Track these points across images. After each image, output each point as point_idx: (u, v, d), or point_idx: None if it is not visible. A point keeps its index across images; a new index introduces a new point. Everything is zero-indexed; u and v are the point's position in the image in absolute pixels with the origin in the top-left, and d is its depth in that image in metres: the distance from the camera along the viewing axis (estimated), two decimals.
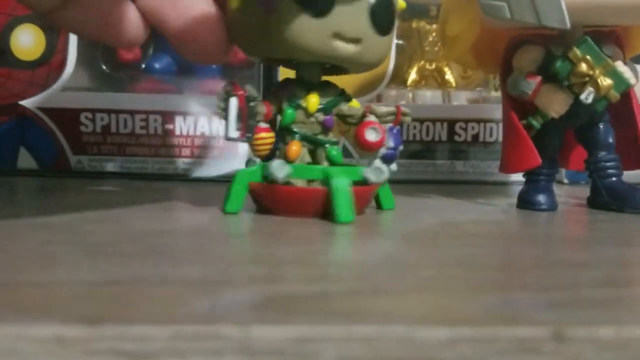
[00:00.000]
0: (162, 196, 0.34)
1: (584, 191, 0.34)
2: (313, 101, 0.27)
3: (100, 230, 0.23)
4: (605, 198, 0.32)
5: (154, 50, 0.49)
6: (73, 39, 0.44)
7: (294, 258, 0.19)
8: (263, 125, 0.26)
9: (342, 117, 0.28)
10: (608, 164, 0.32)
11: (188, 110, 0.44)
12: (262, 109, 0.26)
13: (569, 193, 0.38)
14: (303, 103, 0.27)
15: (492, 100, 0.49)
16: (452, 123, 0.46)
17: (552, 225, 0.27)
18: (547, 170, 0.32)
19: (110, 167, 0.44)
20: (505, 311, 0.14)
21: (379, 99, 0.47)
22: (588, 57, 0.30)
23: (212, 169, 0.44)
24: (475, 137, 0.46)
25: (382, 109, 0.28)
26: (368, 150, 0.27)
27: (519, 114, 0.32)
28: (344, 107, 0.28)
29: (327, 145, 0.27)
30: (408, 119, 0.28)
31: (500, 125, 0.45)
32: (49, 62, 0.44)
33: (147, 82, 0.49)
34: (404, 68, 0.52)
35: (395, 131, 0.28)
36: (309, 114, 0.27)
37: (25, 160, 0.44)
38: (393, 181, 0.45)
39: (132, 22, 0.24)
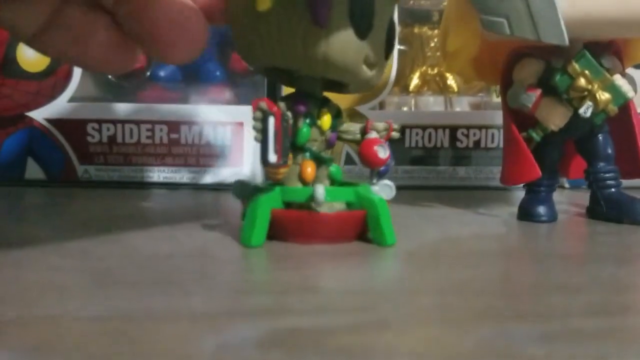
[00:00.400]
0: (168, 208, 0.35)
1: (584, 197, 0.34)
2: (326, 118, 0.26)
3: (109, 254, 0.23)
4: (605, 209, 0.32)
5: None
6: None
7: (299, 285, 0.19)
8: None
9: (339, 134, 0.28)
10: (607, 175, 0.33)
11: (193, 119, 0.45)
12: (290, 128, 0.25)
13: (569, 199, 0.39)
14: (318, 120, 0.26)
15: (493, 105, 0.49)
16: (454, 129, 0.46)
17: (551, 240, 0.28)
18: (547, 181, 0.33)
19: (116, 176, 0.45)
20: (499, 345, 0.14)
21: (381, 105, 0.47)
22: (586, 71, 0.30)
23: (216, 176, 0.45)
24: (477, 143, 0.47)
25: (381, 125, 0.28)
26: (376, 166, 0.27)
27: (519, 125, 0.33)
28: (342, 125, 0.28)
29: (329, 163, 0.27)
30: (397, 134, 0.28)
31: (502, 131, 0.46)
32: (55, 73, 0.44)
33: (153, 90, 0.49)
34: (406, 73, 0.52)
35: (386, 146, 0.27)
36: (322, 132, 0.26)
37: (33, 170, 0.45)
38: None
39: (118, 47, 0.22)
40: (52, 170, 0.45)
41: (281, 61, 0.24)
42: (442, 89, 0.52)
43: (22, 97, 0.44)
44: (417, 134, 0.47)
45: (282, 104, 0.24)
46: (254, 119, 0.24)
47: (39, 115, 0.44)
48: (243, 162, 0.45)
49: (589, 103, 0.30)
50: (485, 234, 0.29)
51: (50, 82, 0.44)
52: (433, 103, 0.49)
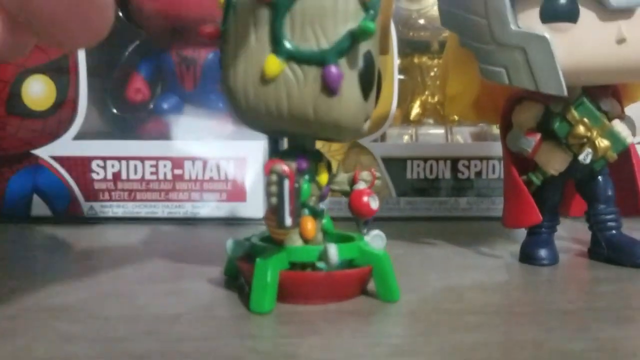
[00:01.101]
0: (173, 249, 0.35)
1: (584, 229, 0.34)
2: (324, 173, 0.26)
3: (116, 316, 0.24)
4: (606, 251, 0.33)
5: (161, 90, 0.50)
6: (83, 87, 0.45)
7: (305, 357, 0.19)
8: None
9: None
10: (608, 216, 0.33)
11: (197, 155, 0.45)
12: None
13: (570, 233, 0.39)
14: (317, 176, 0.26)
15: (494, 135, 0.49)
16: (455, 161, 0.47)
17: (552, 290, 0.28)
18: (548, 222, 0.33)
19: (121, 212, 0.45)
20: None
21: (383, 138, 0.48)
22: (585, 119, 0.30)
23: (220, 210, 0.45)
24: (478, 173, 0.47)
25: (367, 174, 0.28)
26: (368, 217, 0.27)
27: (519, 167, 0.33)
28: (332, 177, 0.27)
29: (322, 216, 0.27)
30: (379, 182, 0.28)
31: (502, 162, 0.46)
32: (60, 111, 0.45)
33: (156, 123, 0.50)
34: (406, 102, 0.53)
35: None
36: (320, 187, 0.26)
37: (39, 207, 0.45)
38: (401, 218, 0.47)
39: (9, 33, 0.19)
40: (58, 207, 0.45)
41: (290, 127, 0.24)
42: (443, 116, 0.53)
43: (28, 135, 0.45)
44: (418, 165, 0.47)
45: (292, 165, 0.24)
46: (270, 182, 0.23)
47: (45, 152, 0.45)
48: (246, 196, 0.45)
49: (588, 150, 0.30)
50: (487, 283, 0.29)
51: (55, 120, 0.45)
52: (434, 135, 0.50)
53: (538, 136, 0.32)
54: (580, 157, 0.31)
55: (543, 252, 0.32)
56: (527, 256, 0.33)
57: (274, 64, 0.23)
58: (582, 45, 0.29)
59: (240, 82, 0.24)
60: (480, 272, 0.31)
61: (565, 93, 0.29)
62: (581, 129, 0.30)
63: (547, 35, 0.28)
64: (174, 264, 0.32)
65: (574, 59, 0.29)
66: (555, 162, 0.31)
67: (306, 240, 0.26)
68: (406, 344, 0.21)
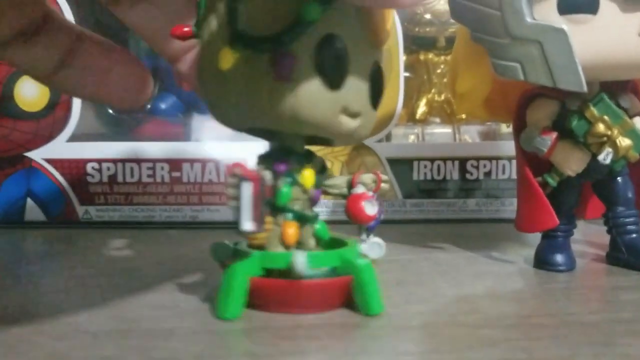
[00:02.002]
0: (169, 256, 0.33)
1: (600, 231, 0.32)
2: (309, 176, 0.25)
3: (109, 332, 0.22)
4: (626, 255, 0.31)
5: (159, 90, 0.49)
6: None
7: None
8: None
9: (324, 188, 0.26)
10: (627, 219, 0.31)
11: (195, 157, 0.43)
12: (268, 191, 0.23)
13: (586, 236, 0.37)
14: (299, 178, 0.24)
15: (503, 134, 0.48)
16: (463, 161, 0.45)
17: (570, 299, 0.26)
18: (565, 226, 0.32)
19: (117, 216, 0.44)
20: None
21: (388, 138, 0.46)
22: (605, 116, 0.29)
23: (219, 214, 0.43)
24: (488, 174, 0.45)
25: (368, 177, 0.26)
26: (364, 223, 0.25)
27: (533, 168, 0.31)
28: (325, 179, 0.26)
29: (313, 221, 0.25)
30: (386, 186, 0.26)
31: (512, 162, 0.45)
32: (54, 112, 0.43)
33: (153, 124, 0.48)
34: (412, 100, 0.51)
35: (375, 199, 0.26)
36: (305, 190, 0.25)
37: (33, 212, 0.44)
38: (407, 221, 0.45)
39: (132, 81, 0.23)
40: (52, 211, 0.44)
41: (250, 120, 0.23)
42: (450, 115, 0.51)
43: (20, 137, 0.43)
44: (425, 166, 0.45)
45: (260, 169, 0.23)
46: (228, 185, 0.23)
47: (38, 155, 0.43)
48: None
49: (608, 149, 0.29)
50: (501, 291, 0.27)
51: (48, 122, 0.43)
52: (441, 134, 0.48)
53: (554, 135, 0.30)
54: (600, 157, 0.29)
55: (559, 258, 0.31)
56: (542, 262, 0.31)
57: (226, 55, 0.22)
58: (602, 38, 0.27)
59: (206, 79, 0.23)
60: (494, 279, 0.29)
61: (585, 89, 0.27)
62: (601, 127, 0.28)
63: (565, 27, 0.27)
64: (169, 272, 0.30)
65: (593, 53, 0.27)
66: (572, 163, 0.30)
67: (287, 246, 0.24)
68: None
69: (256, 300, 0.24)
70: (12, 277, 0.30)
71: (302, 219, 0.25)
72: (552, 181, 0.30)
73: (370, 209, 0.25)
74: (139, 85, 0.23)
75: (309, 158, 0.25)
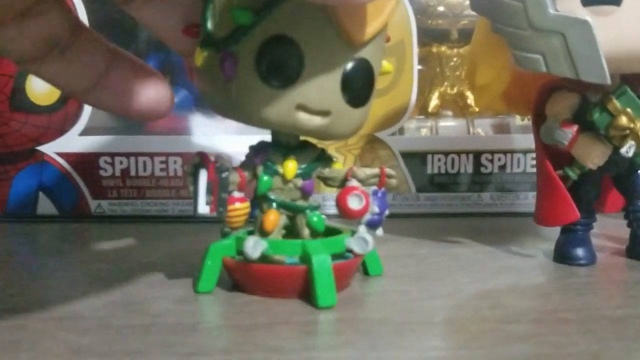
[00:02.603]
0: (185, 250, 0.33)
1: (619, 225, 0.32)
2: (290, 167, 0.25)
3: (130, 326, 0.22)
4: None
5: (170, 84, 0.48)
6: None
7: None
8: (237, 194, 0.25)
9: (324, 180, 0.27)
10: None
11: (207, 150, 0.43)
12: (235, 178, 0.25)
13: (604, 230, 0.37)
14: (280, 169, 0.25)
15: (517, 127, 0.47)
16: (477, 154, 0.45)
17: (594, 293, 0.26)
18: (585, 220, 0.31)
19: (130, 210, 0.43)
20: None
21: (401, 131, 0.46)
22: (628, 109, 0.28)
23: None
24: (502, 167, 0.45)
25: (365, 172, 0.26)
26: (351, 217, 0.26)
27: (553, 161, 0.31)
28: (325, 170, 0.26)
29: (307, 212, 0.26)
30: (393, 181, 0.26)
31: (527, 155, 0.44)
32: (66, 106, 0.43)
33: (165, 118, 0.48)
34: (424, 93, 0.50)
35: (380, 194, 0.26)
36: (286, 181, 0.25)
37: (45, 205, 0.43)
38: (421, 215, 0.45)
39: (158, 98, 0.24)
40: (65, 205, 0.43)
41: (220, 113, 0.25)
42: (462, 108, 0.50)
43: (33, 131, 0.43)
44: (439, 159, 0.45)
45: (220, 157, 0.25)
46: (187, 172, 0.25)
47: (50, 149, 0.43)
48: None
49: (631, 142, 0.28)
50: (524, 286, 0.27)
51: (60, 115, 0.43)
52: (453, 127, 0.47)
53: (575, 128, 0.29)
54: (623, 150, 0.29)
55: (580, 252, 0.30)
56: (562, 256, 0.31)
57: (197, 54, 0.24)
58: (626, 30, 0.27)
59: (197, 77, 0.25)
60: (514, 273, 0.29)
61: (609, 81, 0.27)
62: (624, 119, 0.28)
63: (588, 19, 0.26)
64: (187, 266, 0.30)
65: (617, 45, 0.27)
66: (594, 156, 0.29)
67: (266, 233, 0.25)
68: (447, 358, 0.19)
69: (232, 279, 0.26)
70: (28, 271, 0.30)
71: (290, 209, 0.26)
72: (573, 174, 0.30)
73: (355, 203, 0.25)
74: (164, 101, 0.24)
75: (299, 150, 0.26)
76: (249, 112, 0.24)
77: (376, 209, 0.26)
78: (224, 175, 0.24)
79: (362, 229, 0.26)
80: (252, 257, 0.24)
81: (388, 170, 0.26)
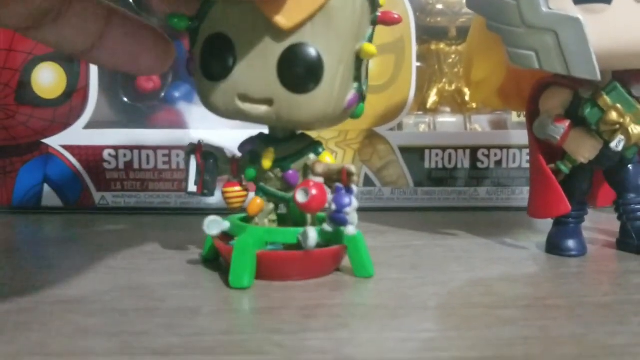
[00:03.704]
0: (188, 240, 0.34)
1: (610, 219, 0.33)
2: (267, 158, 0.27)
3: (134, 309, 0.23)
4: (636, 242, 0.31)
5: (173, 79, 0.49)
6: (94, 75, 0.44)
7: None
8: (232, 179, 0.28)
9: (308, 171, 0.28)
10: (638, 206, 0.32)
11: (209, 142, 0.44)
12: (224, 165, 0.28)
13: (596, 223, 0.38)
14: (261, 160, 0.27)
15: (513, 123, 0.48)
16: (474, 150, 0.46)
17: (584, 283, 0.27)
18: (576, 212, 0.32)
19: (133, 202, 0.44)
20: None
21: (399, 127, 0.47)
22: (618, 104, 0.29)
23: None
24: (498, 163, 0.46)
25: (322, 167, 0.27)
26: (301, 210, 0.26)
27: (546, 155, 0.32)
28: (309, 161, 0.27)
29: (291, 202, 0.27)
30: (355, 178, 0.26)
31: (523, 151, 0.45)
32: (71, 99, 0.44)
33: (168, 112, 0.49)
34: (423, 90, 0.51)
35: (343, 192, 0.26)
36: (263, 171, 0.27)
37: (50, 197, 0.44)
38: (418, 209, 0.46)
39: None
40: (69, 197, 0.44)
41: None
42: (460, 105, 0.51)
43: (38, 124, 0.44)
44: (436, 154, 0.46)
45: (207, 144, 0.28)
46: (184, 157, 0.29)
47: (55, 142, 0.44)
48: None
49: (620, 137, 0.29)
50: (516, 275, 0.28)
51: (65, 109, 0.44)
52: (451, 123, 0.48)
53: (567, 123, 0.30)
54: (612, 145, 0.29)
55: (571, 243, 0.31)
56: (554, 247, 0.32)
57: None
58: (616, 28, 0.27)
59: None
60: (507, 263, 0.30)
61: (600, 77, 0.27)
62: (614, 115, 0.29)
63: (580, 17, 0.27)
64: (189, 255, 0.31)
65: (608, 42, 0.27)
66: (585, 150, 0.30)
67: (251, 216, 0.28)
68: (439, 339, 0.20)
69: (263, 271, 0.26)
70: (35, 260, 0.31)
71: (272, 196, 0.28)
72: (565, 168, 0.31)
73: (300, 196, 0.26)
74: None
75: (289, 141, 0.27)
76: (207, 105, 0.26)
77: (333, 206, 0.26)
78: (211, 160, 0.28)
79: (325, 224, 0.26)
80: (208, 233, 0.28)
81: (348, 168, 0.26)
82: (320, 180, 0.26)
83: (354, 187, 0.26)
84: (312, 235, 0.25)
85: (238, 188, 0.28)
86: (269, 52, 0.24)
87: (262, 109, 0.25)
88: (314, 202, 0.25)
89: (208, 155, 0.28)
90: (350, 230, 0.26)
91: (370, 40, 0.26)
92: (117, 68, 0.25)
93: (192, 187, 0.28)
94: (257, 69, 0.24)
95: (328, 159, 0.28)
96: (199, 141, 0.29)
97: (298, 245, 0.26)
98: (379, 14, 0.26)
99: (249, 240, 0.26)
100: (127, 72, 0.25)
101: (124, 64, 0.25)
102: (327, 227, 0.26)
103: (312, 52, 0.24)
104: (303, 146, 0.28)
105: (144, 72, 0.26)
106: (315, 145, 0.28)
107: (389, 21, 0.26)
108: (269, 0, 0.23)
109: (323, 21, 0.24)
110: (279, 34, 0.24)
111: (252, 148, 0.28)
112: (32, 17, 0.22)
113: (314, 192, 0.25)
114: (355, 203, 0.26)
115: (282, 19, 0.24)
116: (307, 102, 0.25)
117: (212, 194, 0.28)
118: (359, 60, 0.26)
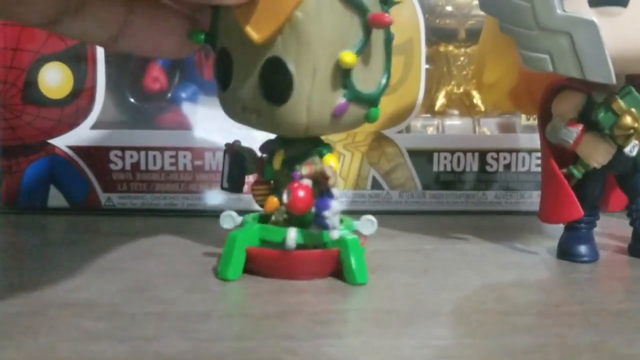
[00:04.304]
0: (196, 242, 0.34)
1: (623, 224, 0.33)
2: (277, 159, 0.28)
3: (142, 312, 0.22)
4: None
5: (179, 79, 0.49)
6: (101, 75, 0.44)
7: None
8: (260, 179, 0.29)
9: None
10: None
11: (217, 145, 0.44)
12: (251, 164, 0.30)
13: (607, 228, 0.37)
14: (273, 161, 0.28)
15: (522, 126, 0.48)
16: (483, 153, 0.45)
17: (597, 289, 0.27)
18: (588, 217, 0.32)
19: (139, 204, 0.44)
20: None
21: (407, 129, 0.46)
22: (632, 109, 0.29)
23: (241, 202, 0.44)
24: (507, 166, 0.45)
25: (307, 169, 0.27)
26: (289, 211, 0.27)
27: (558, 159, 0.31)
28: (314, 163, 0.28)
29: None
30: (330, 182, 0.26)
31: (532, 154, 0.45)
32: (78, 100, 0.44)
33: (174, 113, 0.49)
34: (432, 92, 0.51)
35: (325, 195, 0.26)
36: (274, 171, 0.28)
37: (56, 198, 0.44)
38: (426, 212, 0.45)
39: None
40: (75, 198, 0.44)
41: None
42: (469, 107, 0.51)
43: (44, 124, 0.44)
44: (445, 157, 0.45)
45: (240, 145, 0.30)
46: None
47: (62, 142, 0.44)
48: None
49: (635, 142, 0.29)
50: (528, 280, 0.28)
51: (72, 109, 0.44)
52: (460, 126, 0.48)
53: (580, 127, 0.30)
54: (627, 149, 0.29)
55: (583, 249, 0.31)
56: (566, 252, 0.31)
57: None
58: (632, 31, 0.27)
59: None
60: (519, 269, 0.30)
61: (615, 81, 0.27)
62: (628, 119, 0.29)
63: (595, 19, 0.27)
64: (197, 258, 0.31)
65: (623, 46, 0.27)
66: (598, 155, 0.30)
67: (267, 214, 0.29)
68: (453, 347, 0.20)
69: (251, 266, 0.27)
70: (42, 261, 0.31)
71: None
72: (578, 173, 0.31)
73: (285, 197, 0.26)
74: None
75: (298, 144, 0.28)
76: (224, 112, 0.28)
77: (313, 209, 0.26)
78: (239, 159, 0.30)
79: (312, 226, 0.27)
80: (223, 226, 0.29)
81: (326, 172, 0.26)
82: (308, 182, 0.27)
83: (335, 191, 0.26)
84: (292, 235, 0.26)
85: (263, 187, 0.29)
86: (254, 66, 0.26)
87: (254, 118, 0.26)
88: (296, 203, 0.26)
89: (238, 155, 0.30)
90: (333, 234, 0.26)
91: (364, 45, 0.26)
92: (143, 54, 0.26)
93: (225, 184, 0.31)
94: (247, 81, 0.26)
95: (332, 162, 0.27)
96: (235, 141, 0.30)
97: (302, 245, 0.27)
98: (368, 17, 0.26)
99: (241, 234, 0.27)
100: (154, 56, 0.26)
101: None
102: (312, 230, 0.27)
103: (282, 64, 0.25)
104: (309, 148, 0.28)
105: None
106: (321, 147, 0.28)
107: (380, 23, 0.26)
108: (244, 13, 0.24)
109: (292, 34, 0.25)
110: (258, 48, 0.25)
111: (271, 149, 0.29)
112: (54, 10, 0.22)
113: (298, 193, 0.26)
114: (334, 207, 0.26)
115: (254, 34, 0.25)
116: (283, 113, 0.26)
117: (239, 190, 0.31)
118: (344, 68, 0.25)
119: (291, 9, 0.24)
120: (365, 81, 0.27)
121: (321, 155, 0.28)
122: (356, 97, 0.26)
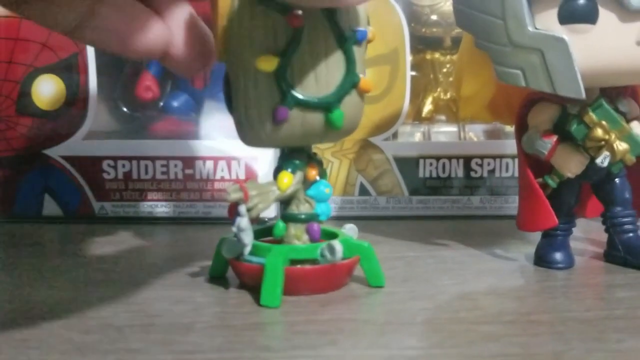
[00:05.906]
0: (184, 252, 0.35)
1: (602, 229, 0.33)
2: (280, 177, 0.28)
3: (129, 325, 0.23)
4: (623, 254, 0.32)
5: (171, 88, 0.50)
6: (93, 86, 0.44)
7: None
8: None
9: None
10: (625, 219, 0.32)
11: (208, 154, 0.45)
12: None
13: (585, 233, 0.38)
14: None
15: (508, 133, 0.49)
16: (468, 159, 0.46)
17: (568, 297, 0.27)
18: (564, 225, 0.33)
19: (132, 212, 0.45)
20: None
21: (394, 136, 0.47)
22: (604, 121, 0.30)
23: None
24: (492, 172, 0.46)
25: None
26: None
27: (535, 169, 0.32)
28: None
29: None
30: (228, 197, 0.26)
31: (516, 160, 0.46)
32: (70, 111, 0.45)
33: (166, 122, 0.50)
34: (419, 99, 0.52)
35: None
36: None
37: (50, 207, 0.45)
38: (413, 217, 0.46)
39: (154, 38, 0.24)
40: (69, 207, 0.45)
41: None
42: (455, 114, 0.52)
43: (38, 135, 0.45)
44: (431, 164, 0.47)
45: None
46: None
47: (55, 152, 0.45)
48: None
49: (606, 153, 0.30)
50: (503, 288, 0.29)
51: (65, 120, 0.45)
52: (446, 132, 0.49)
53: (554, 138, 0.31)
54: (598, 161, 0.30)
55: (558, 256, 0.32)
56: (542, 259, 0.32)
57: None
58: (601, 47, 0.28)
59: None
60: (495, 276, 0.31)
61: (584, 96, 0.28)
62: (599, 131, 0.30)
63: (565, 37, 0.28)
64: (185, 267, 0.32)
65: (592, 61, 0.28)
66: (572, 165, 0.31)
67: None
68: (423, 357, 0.21)
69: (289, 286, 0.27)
70: (35, 271, 0.32)
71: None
72: (552, 182, 0.32)
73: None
74: (158, 40, 0.24)
75: (296, 153, 0.28)
76: None
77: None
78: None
79: None
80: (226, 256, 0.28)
81: (228, 190, 0.26)
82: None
83: (241, 208, 0.26)
84: (338, 248, 0.26)
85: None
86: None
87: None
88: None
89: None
90: (245, 250, 0.27)
91: (294, 48, 0.25)
92: (108, 48, 0.23)
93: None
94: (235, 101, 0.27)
95: (286, 179, 0.27)
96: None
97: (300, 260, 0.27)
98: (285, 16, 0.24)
99: (278, 259, 0.26)
100: (119, 53, 0.24)
101: (115, 45, 0.23)
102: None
103: (227, 76, 0.26)
104: (285, 160, 0.28)
105: (135, 55, 0.24)
106: (307, 159, 0.28)
107: (294, 21, 0.24)
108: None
109: (229, 44, 0.25)
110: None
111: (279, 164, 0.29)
112: None
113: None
114: (239, 224, 0.26)
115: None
116: (235, 124, 0.26)
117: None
118: (274, 74, 0.25)
119: (222, 19, 0.25)
120: (316, 85, 0.25)
121: (286, 169, 0.27)
122: (298, 103, 0.25)
